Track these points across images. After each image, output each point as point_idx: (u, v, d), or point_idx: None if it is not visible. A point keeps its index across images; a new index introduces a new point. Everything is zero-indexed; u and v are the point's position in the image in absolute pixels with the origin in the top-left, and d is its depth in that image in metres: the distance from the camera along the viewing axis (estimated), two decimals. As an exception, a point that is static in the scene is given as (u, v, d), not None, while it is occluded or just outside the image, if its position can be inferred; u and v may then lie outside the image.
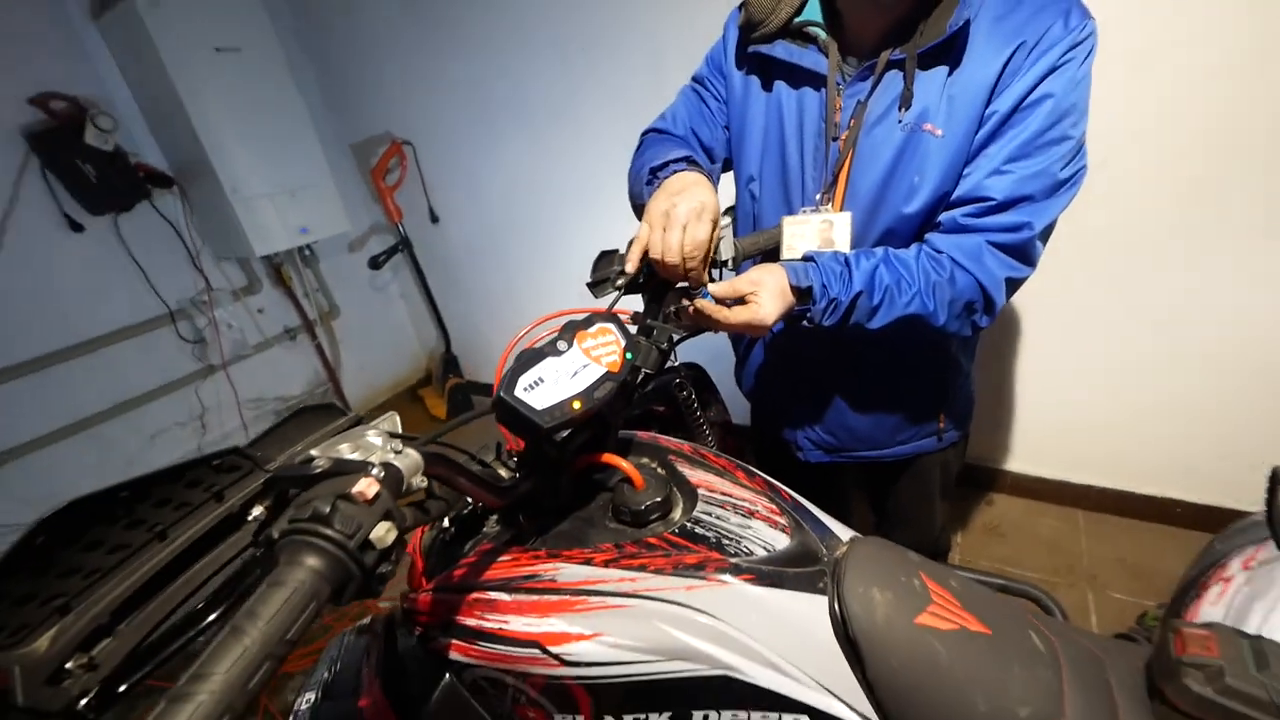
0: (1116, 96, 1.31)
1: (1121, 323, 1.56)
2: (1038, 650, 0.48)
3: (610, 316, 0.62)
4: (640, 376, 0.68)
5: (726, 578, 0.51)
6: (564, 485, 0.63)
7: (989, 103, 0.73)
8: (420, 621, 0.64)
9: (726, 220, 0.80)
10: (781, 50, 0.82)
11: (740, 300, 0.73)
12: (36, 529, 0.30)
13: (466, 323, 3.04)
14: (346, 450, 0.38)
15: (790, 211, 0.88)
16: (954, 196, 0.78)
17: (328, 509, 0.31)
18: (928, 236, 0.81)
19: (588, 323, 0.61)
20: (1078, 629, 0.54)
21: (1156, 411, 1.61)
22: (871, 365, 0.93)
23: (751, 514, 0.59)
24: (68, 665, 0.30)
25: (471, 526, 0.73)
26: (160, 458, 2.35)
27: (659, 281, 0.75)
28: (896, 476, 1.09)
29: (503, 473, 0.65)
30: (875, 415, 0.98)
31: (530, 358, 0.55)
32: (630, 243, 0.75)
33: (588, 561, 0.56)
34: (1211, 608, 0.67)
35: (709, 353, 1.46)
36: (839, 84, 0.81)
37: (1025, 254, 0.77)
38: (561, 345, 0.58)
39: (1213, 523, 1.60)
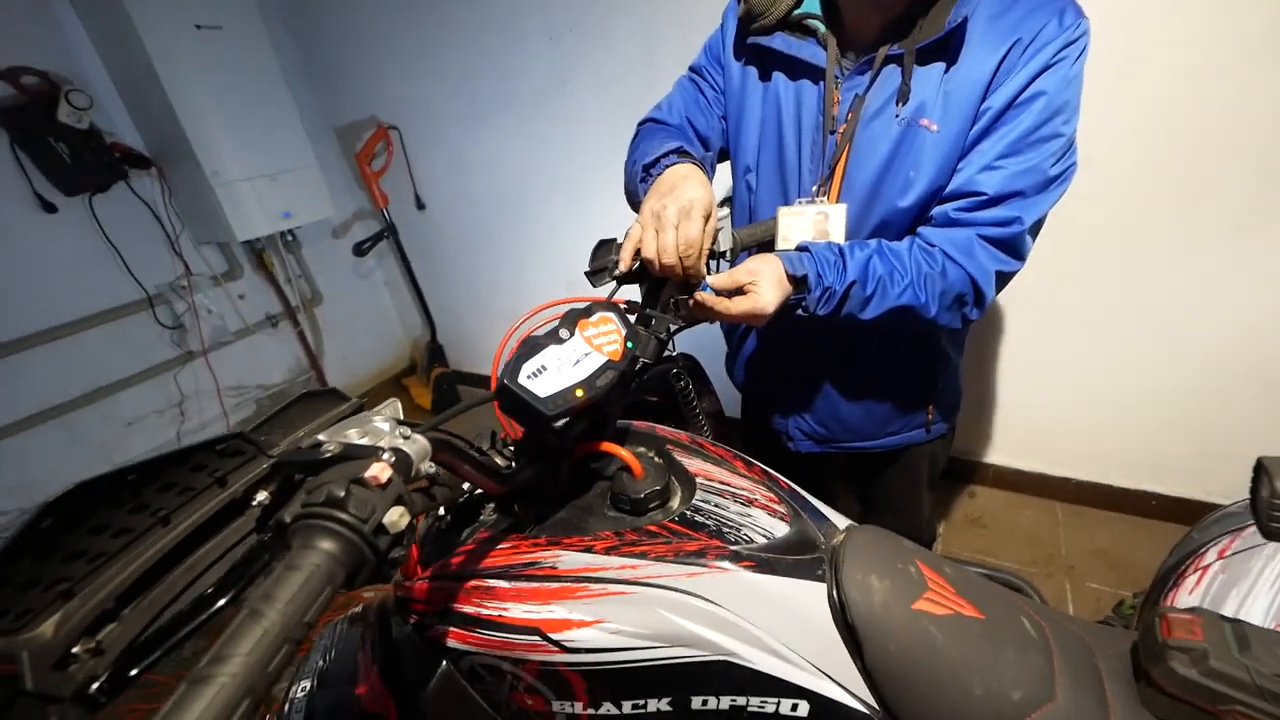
0: (1107, 96, 1.33)
1: (1101, 321, 1.60)
2: (1029, 635, 0.49)
3: (611, 305, 0.62)
4: (638, 366, 0.69)
5: (727, 565, 0.52)
6: (563, 473, 0.63)
7: (984, 99, 0.74)
8: (416, 609, 0.64)
9: (725, 212, 0.80)
10: (780, 42, 0.82)
11: (739, 291, 0.73)
12: (43, 512, 0.29)
13: (452, 311, 3.01)
14: (355, 436, 0.37)
15: (786, 203, 0.89)
16: (946, 191, 0.79)
17: (342, 493, 0.30)
18: (920, 230, 0.82)
19: (588, 311, 0.61)
20: (1065, 615, 0.56)
21: (1133, 407, 1.66)
22: (864, 357, 0.95)
23: (751, 502, 0.60)
24: (74, 650, 0.29)
25: (468, 515, 0.72)
26: (137, 446, 2.30)
27: (657, 273, 0.75)
28: (885, 467, 1.11)
29: (499, 461, 0.65)
30: (866, 406, 0.99)
31: (533, 345, 0.55)
32: (625, 237, 0.74)
33: (588, 549, 0.56)
34: (1190, 595, 0.70)
35: (694, 344, 1.47)
36: (837, 77, 0.81)
37: (1015, 248, 0.79)
38: (564, 333, 0.57)
39: (1185, 514, 1.66)
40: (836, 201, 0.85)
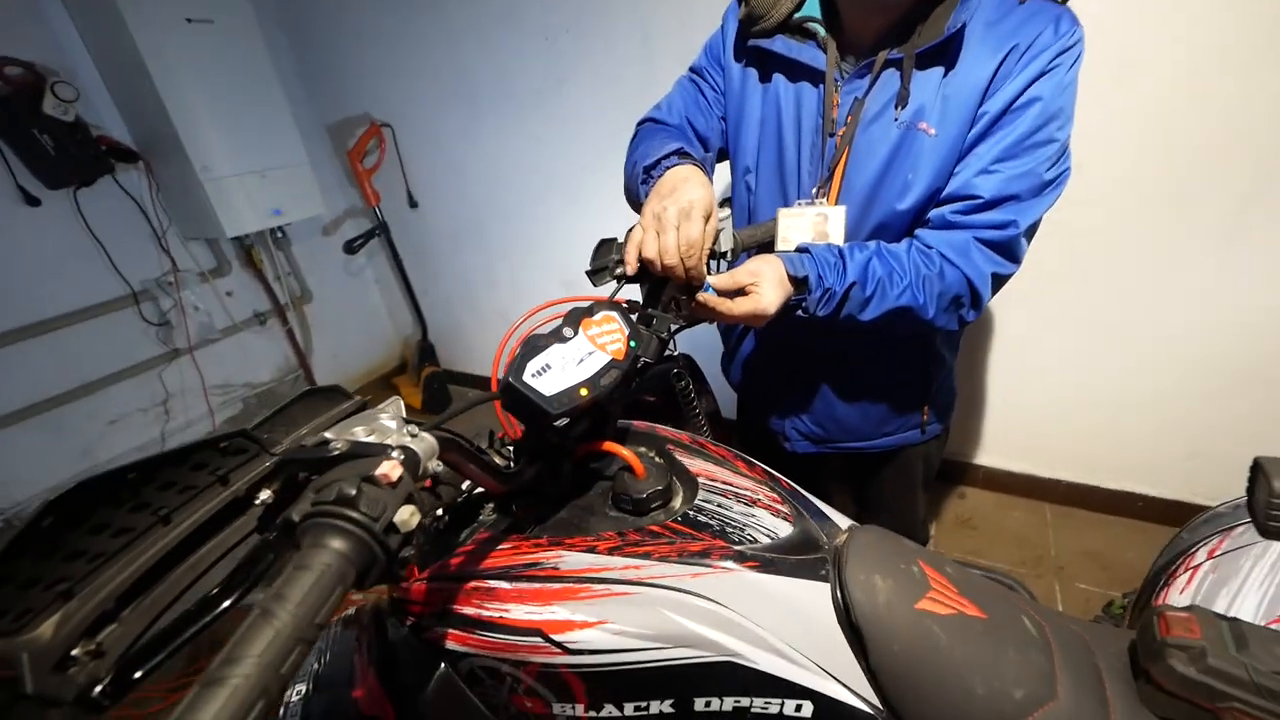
0: (1100, 102, 1.36)
1: (1089, 324, 1.63)
2: (1030, 634, 0.50)
3: (614, 305, 0.62)
4: (640, 365, 0.68)
5: (731, 565, 0.52)
6: (565, 473, 0.63)
7: (981, 103, 0.75)
8: (413, 611, 0.63)
9: (726, 213, 0.80)
10: (781, 45, 0.82)
11: (741, 291, 0.73)
12: (45, 510, 0.28)
13: (444, 311, 2.99)
14: (362, 433, 0.37)
15: (785, 204, 0.89)
16: (944, 194, 0.80)
17: (354, 491, 0.30)
18: (918, 232, 0.83)
19: (592, 310, 0.60)
20: (1063, 613, 0.57)
21: (1121, 409, 1.68)
22: (861, 358, 0.95)
23: (754, 502, 0.60)
24: (74, 652, 0.29)
25: (465, 515, 0.72)
26: (120, 444, 2.26)
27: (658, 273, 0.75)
28: (880, 468, 1.11)
29: (497, 460, 0.65)
30: (862, 407, 1.00)
31: (536, 344, 0.55)
32: (627, 237, 0.74)
33: (591, 549, 0.56)
34: (1181, 594, 0.71)
35: (690, 344, 1.47)
36: (837, 80, 0.81)
37: (1011, 251, 0.80)
38: (567, 332, 0.57)
39: (1171, 516, 1.69)
40: (836, 203, 0.85)
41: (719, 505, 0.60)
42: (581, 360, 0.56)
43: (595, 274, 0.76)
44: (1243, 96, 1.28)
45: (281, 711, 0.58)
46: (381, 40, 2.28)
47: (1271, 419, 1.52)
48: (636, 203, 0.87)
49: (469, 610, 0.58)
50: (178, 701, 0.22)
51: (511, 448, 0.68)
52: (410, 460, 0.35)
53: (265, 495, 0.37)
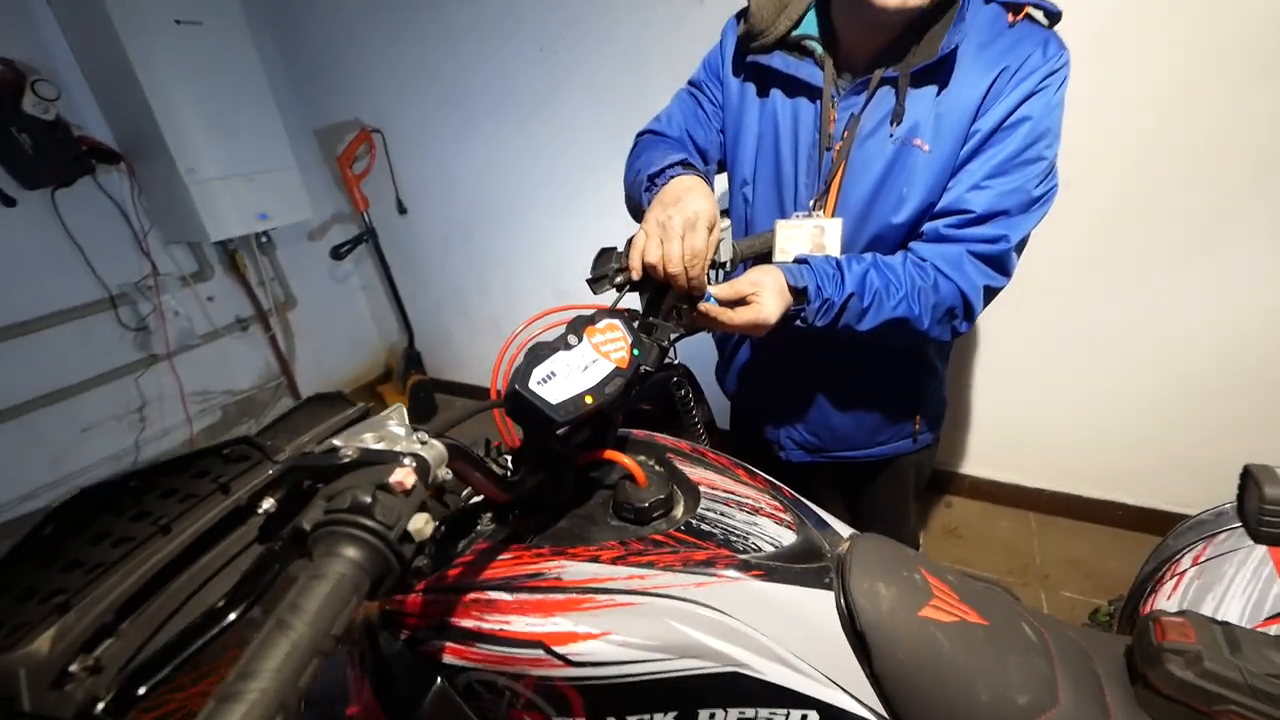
0: (1082, 122, 1.40)
1: (1071, 337, 1.67)
2: (1031, 640, 0.50)
3: (617, 313, 0.62)
4: (641, 373, 0.69)
5: (736, 574, 0.52)
6: (567, 482, 0.62)
7: (974, 121, 0.77)
8: (408, 624, 0.62)
9: (726, 223, 0.81)
10: (779, 61, 0.84)
11: (741, 301, 0.74)
12: (46, 519, 0.27)
13: (431, 318, 2.96)
14: (371, 440, 0.36)
15: (783, 215, 0.90)
16: (937, 208, 0.82)
17: (369, 498, 0.29)
18: (912, 245, 0.84)
19: (595, 318, 0.60)
20: (1058, 620, 0.57)
21: (1102, 420, 1.72)
22: (858, 368, 0.96)
23: (756, 511, 0.60)
24: (71, 668, 0.27)
25: (462, 526, 0.71)
26: (93, 452, 2.20)
27: (661, 280, 0.76)
28: (873, 477, 1.12)
29: (494, 469, 0.64)
30: (857, 416, 1.01)
31: (542, 352, 0.55)
32: (627, 245, 0.74)
33: (594, 559, 0.56)
34: (1168, 600, 0.73)
35: (684, 354, 1.47)
36: (834, 97, 0.83)
37: (1002, 264, 0.82)
38: (572, 339, 0.57)
39: (1151, 523, 1.72)
40: (832, 216, 0.86)
41: (721, 514, 0.59)
42: (586, 368, 0.56)
43: (595, 282, 0.76)
44: (1217, 115, 1.33)
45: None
46: (374, 45, 2.27)
47: (1247, 429, 1.56)
48: (637, 210, 0.88)
49: (468, 623, 0.57)
50: (190, 715, 0.21)
51: (508, 456, 0.67)
52: (422, 468, 0.35)
53: (268, 504, 0.37)
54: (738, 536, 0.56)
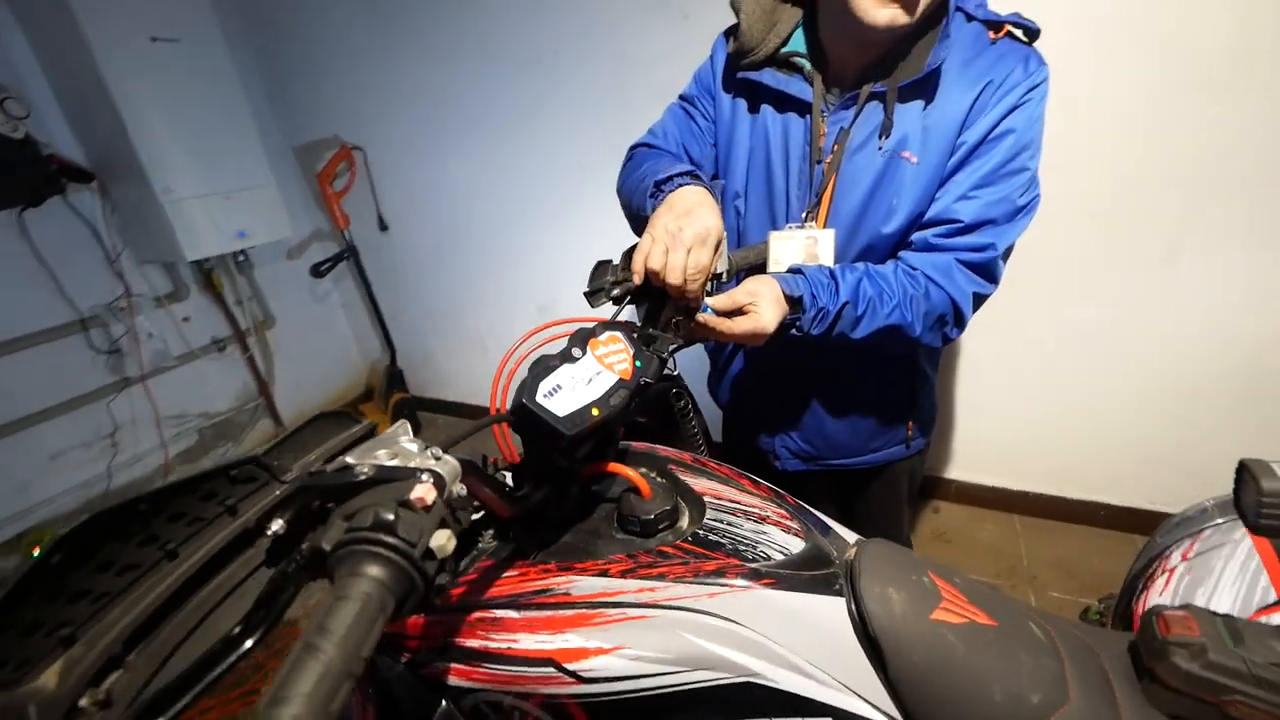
0: (1059, 135, 1.45)
1: (1054, 340, 1.71)
2: (1039, 640, 0.51)
3: (619, 325, 0.62)
4: (643, 385, 0.68)
5: (748, 583, 0.52)
6: (572, 495, 0.62)
7: (960, 133, 0.80)
8: (409, 646, 0.61)
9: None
10: (769, 77, 0.86)
11: (739, 311, 0.74)
12: (54, 547, 0.26)
13: (414, 335, 2.93)
14: (385, 457, 0.36)
15: (775, 227, 0.92)
16: (926, 218, 0.84)
17: (391, 516, 0.29)
18: (902, 254, 0.86)
19: (597, 330, 0.60)
20: (1062, 618, 0.58)
21: (1085, 423, 1.76)
22: (853, 375, 0.98)
23: (763, 519, 0.60)
24: (81, 703, 0.26)
25: (464, 543, 0.69)
26: (61, 481, 2.11)
27: (658, 292, 0.76)
28: (867, 484, 1.13)
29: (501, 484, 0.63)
30: (851, 423, 1.02)
31: (547, 365, 0.54)
32: (624, 258, 0.75)
33: (603, 573, 0.55)
34: (1160, 596, 0.74)
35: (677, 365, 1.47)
36: (823, 111, 0.85)
37: (990, 272, 0.84)
38: (576, 352, 0.57)
39: (1133, 523, 1.77)
40: (824, 227, 0.88)
41: (728, 524, 0.59)
42: (590, 380, 0.56)
43: (593, 295, 0.76)
44: (1213, 116, 1.37)
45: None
46: (355, 62, 2.26)
47: (1225, 431, 1.61)
48: (636, 218, 0.88)
49: (474, 642, 0.55)
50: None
51: (507, 472, 0.67)
52: (439, 484, 0.34)
53: (277, 525, 0.35)
54: (746, 545, 0.56)
